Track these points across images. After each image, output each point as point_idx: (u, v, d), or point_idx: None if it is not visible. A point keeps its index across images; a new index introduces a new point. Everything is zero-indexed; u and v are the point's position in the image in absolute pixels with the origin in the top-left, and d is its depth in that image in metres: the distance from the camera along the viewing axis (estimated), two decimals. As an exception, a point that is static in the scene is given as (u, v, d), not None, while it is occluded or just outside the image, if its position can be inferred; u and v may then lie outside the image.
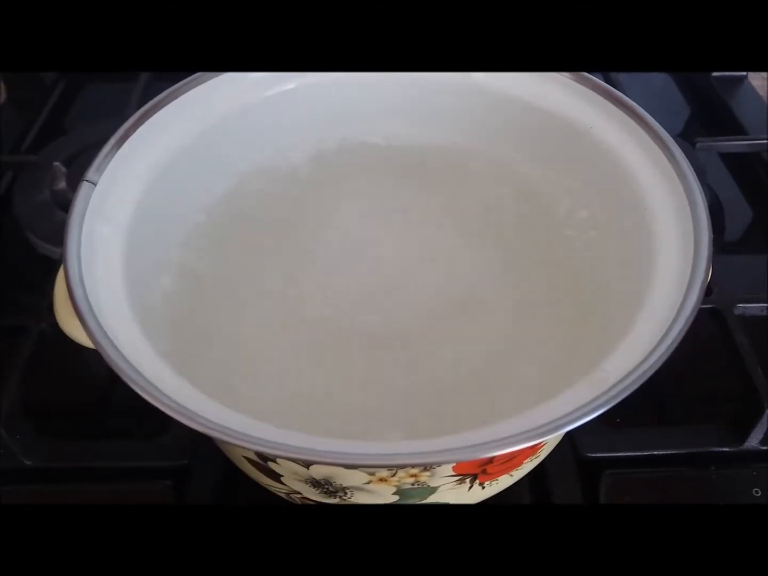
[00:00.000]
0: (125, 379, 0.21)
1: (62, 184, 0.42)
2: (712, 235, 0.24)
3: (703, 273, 0.23)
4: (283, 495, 0.27)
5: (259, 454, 0.24)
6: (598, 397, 0.20)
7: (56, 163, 0.43)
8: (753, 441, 0.32)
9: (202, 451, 0.31)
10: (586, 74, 0.31)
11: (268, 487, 0.27)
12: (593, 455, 0.32)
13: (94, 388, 0.35)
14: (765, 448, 0.32)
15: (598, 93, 0.31)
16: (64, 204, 0.41)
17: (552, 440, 0.28)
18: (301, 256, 0.31)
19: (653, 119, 0.29)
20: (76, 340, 0.26)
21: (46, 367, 0.34)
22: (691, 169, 0.26)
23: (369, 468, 0.22)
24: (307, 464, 0.23)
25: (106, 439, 0.33)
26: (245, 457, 0.26)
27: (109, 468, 0.32)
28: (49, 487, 0.31)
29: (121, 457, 0.32)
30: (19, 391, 0.32)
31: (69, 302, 0.23)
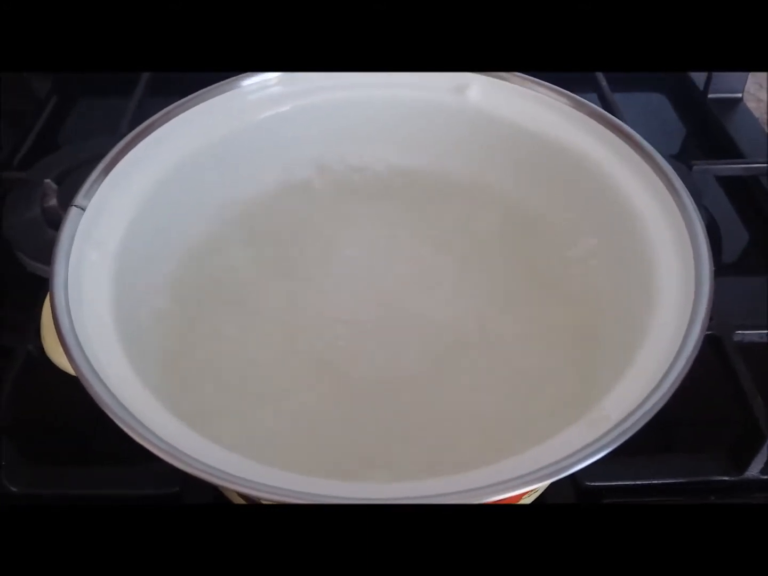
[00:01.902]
0: (109, 414, 0.21)
1: (53, 202, 0.42)
2: (713, 268, 0.24)
3: (704, 310, 0.22)
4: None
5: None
6: (599, 439, 0.20)
7: (47, 180, 0.42)
8: (753, 470, 0.31)
9: (192, 478, 0.30)
10: (581, 99, 0.31)
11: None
12: (592, 484, 0.31)
13: (82, 413, 0.34)
14: (765, 477, 0.31)
15: (594, 119, 0.30)
16: (54, 222, 0.41)
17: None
18: (295, 285, 0.31)
19: (651, 146, 0.29)
20: (62, 368, 0.25)
21: (32, 389, 0.33)
22: (691, 199, 0.26)
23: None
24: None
25: (93, 466, 0.32)
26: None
27: (97, 495, 0.31)
28: (34, 516, 0.30)
29: (109, 484, 0.31)
30: (3, 414, 0.32)
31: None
